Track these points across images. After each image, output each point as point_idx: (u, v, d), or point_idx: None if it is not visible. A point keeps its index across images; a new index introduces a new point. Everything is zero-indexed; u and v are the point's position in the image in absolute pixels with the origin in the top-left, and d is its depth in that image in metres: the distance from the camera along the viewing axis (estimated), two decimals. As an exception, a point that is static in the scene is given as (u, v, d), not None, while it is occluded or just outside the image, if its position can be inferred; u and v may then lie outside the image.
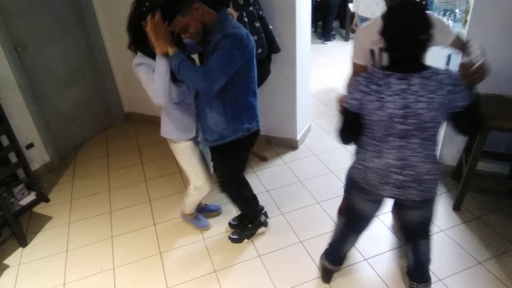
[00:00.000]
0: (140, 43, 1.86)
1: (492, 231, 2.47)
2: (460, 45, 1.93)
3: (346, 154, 3.38)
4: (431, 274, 2.05)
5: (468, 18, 2.50)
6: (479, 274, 2.20)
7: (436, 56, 1.60)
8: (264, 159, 3.38)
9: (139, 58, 1.90)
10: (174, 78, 1.87)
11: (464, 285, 2.15)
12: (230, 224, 2.64)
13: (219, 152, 2.09)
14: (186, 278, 2.33)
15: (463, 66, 1.56)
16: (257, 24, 2.68)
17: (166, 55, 1.79)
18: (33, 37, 3.20)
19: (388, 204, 2.46)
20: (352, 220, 1.98)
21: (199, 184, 2.30)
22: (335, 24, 6.67)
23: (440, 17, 2.58)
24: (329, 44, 6.24)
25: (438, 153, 1.65)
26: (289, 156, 3.43)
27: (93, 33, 3.69)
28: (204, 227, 2.64)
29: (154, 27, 1.73)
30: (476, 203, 2.70)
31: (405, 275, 2.19)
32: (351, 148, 3.40)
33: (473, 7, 2.43)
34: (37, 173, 3.29)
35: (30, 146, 3.21)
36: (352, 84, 1.61)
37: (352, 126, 1.68)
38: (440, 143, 2.81)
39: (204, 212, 2.75)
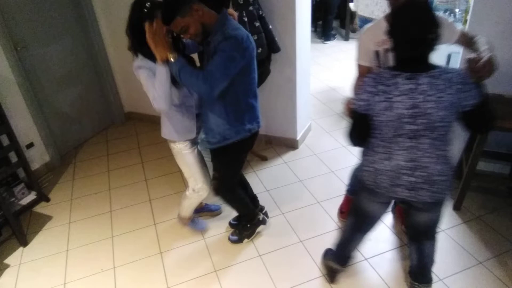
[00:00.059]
0: (140, 45, 1.84)
1: (493, 230, 2.48)
2: (466, 41, 1.89)
3: (346, 154, 3.38)
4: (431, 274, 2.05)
5: (468, 17, 2.51)
6: (480, 274, 2.20)
7: (436, 55, 1.58)
8: (264, 158, 3.38)
9: (140, 61, 1.88)
10: (175, 81, 1.86)
11: (464, 285, 2.15)
12: (230, 223, 2.64)
13: (220, 153, 2.08)
14: (186, 278, 2.33)
15: (470, 62, 1.53)
16: (257, 24, 2.68)
17: (166, 61, 1.79)
18: (33, 37, 3.20)
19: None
20: (359, 221, 1.97)
21: (198, 186, 2.28)
22: (335, 23, 6.66)
23: (442, 14, 2.57)
24: (329, 43, 6.24)
25: (450, 153, 1.61)
26: (289, 155, 3.43)
27: (93, 32, 3.69)
28: (202, 230, 2.62)
29: (152, 35, 1.73)
30: (476, 202, 2.70)
31: (406, 275, 2.19)
32: (352, 148, 3.42)
33: (473, 6, 2.43)
34: (37, 172, 3.29)
35: (30, 145, 3.21)
36: (359, 85, 1.60)
37: (360, 128, 1.66)
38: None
39: (204, 211, 2.75)
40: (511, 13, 2.33)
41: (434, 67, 1.49)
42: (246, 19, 2.62)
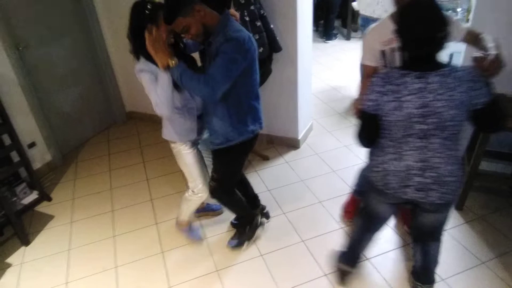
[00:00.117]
0: (142, 48, 1.81)
1: (495, 230, 2.47)
2: (473, 38, 1.87)
3: (347, 154, 3.37)
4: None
5: (470, 17, 2.50)
6: (482, 274, 2.20)
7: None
8: (265, 158, 3.38)
9: (142, 64, 1.87)
10: (177, 85, 1.86)
11: (467, 285, 2.14)
12: (232, 223, 2.64)
13: (222, 154, 2.08)
14: (187, 277, 2.33)
15: (476, 61, 1.51)
16: (258, 23, 2.68)
17: (167, 67, 1.78)
18: (35, 37, 3.20)
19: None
20: (368, 222, 1.96)
21: (198, 187, 2.25)
22: (337, 23, 6.65)
23: (447, 12, 2.56)
24: (331, 43, 6.23)
25: (460, 153, 1.59)
26: (291, 155, 3.42)
27: (95, 32, 3.69)
28: (197, 239, 2.57)
29: (152, 42, 1.73)
30: (478, 202, 2.69)
31: (408, 275, 2.19)
32: (353, 147, 3.42)
33: (475, 6, 2.42)
34: (39, 172, 3.29)
35: (32, 145, 3.21)
36: (365, 86, 1.59)
37: (369, 128, 1.64)
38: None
39: (206, 211, 2.75)
40: (514, 12, 2.33)
41: (443, 65, 1.47)
42: (247, 19, 2.61)
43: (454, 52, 2.94)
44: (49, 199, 3.09)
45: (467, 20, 2.85)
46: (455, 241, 2.41)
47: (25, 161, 2.85)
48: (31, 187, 2.99)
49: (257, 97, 2.00)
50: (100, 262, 2.48)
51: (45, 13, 3.27)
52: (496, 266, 2.23)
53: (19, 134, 2.82)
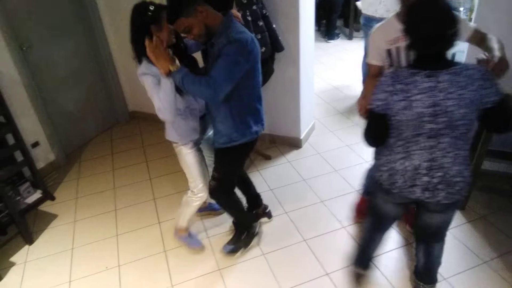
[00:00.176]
0: (144, 50, 1.80)
1: (497, 230, 2.47)
2: (478, 39, 1.87)
3: (349, 153, 3.37)
4: (435, 273, 2.05)
5: (473, 16, 2.49)
6: (484, 273, 2.20)
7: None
8: (267, 158, 3.39)
9: (144, 67, 1.86)
10: (179, 88, 1.86)
11: (469, 285, 2.14)
12: (233, 223, 2.65)
13: (225, 152, 2.08)
14: (190, 276, 2.34)
15: (480, 63, 1.50)
16: (261, 23, 2.69)
17: (169, 73, 1.79)
18: (38, 37, 3.22)
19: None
20: (377, 222, 1.95)
21: (198, 187, 2.24)
22: (339, 22, 6.64)
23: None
24: (333, 42, 6.22)
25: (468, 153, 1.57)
26: (293, 155, 3.43)
27: (98, 32, 3.70)
28: (196, 247, 2.51)
29: (153, 49, 1.73)
30: (481, 202, 2.69)
31: (410, 274, 2.19)
32: (356, 147, 3.42)
33: (478, 5, 2.42)
34: (43, 171, 3.31)
35: (35, 144, 3.23)
36: (373, 84, 1.57)
37: (378, 128, 1.62)
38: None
39: (208, 210, 2.76)
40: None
41: (453, 63, 1.45)
42: (249, 18, 2.62)
43: (457, 52, 2.93)
44: (53, 198, 3.11)
45: (470, 19, 2.84)
46: (457, 241, 2.41)
47: (29, 161, 2.87)
48: (35, 186, 3.00)
49: (259, 99, 2.00)
50: (103, 260, 2.50)
51: (48, 13, 3.29)
52: (498, 266, 2.23)
53: (23, 134, 2.84)
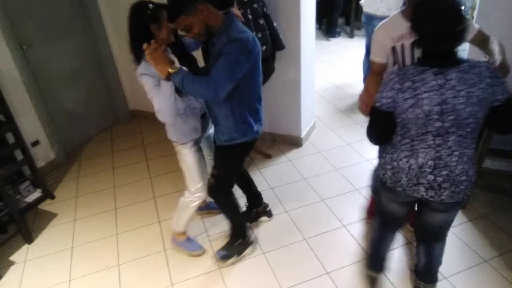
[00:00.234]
0: (143, 50, 1.76)
1: (498, 229, 2.46)
2: (480, 41, 1.85)
3: (350, 152, 3.37)
4: (436, 272, 2.04)
5: (475, 14, 2.48)
6: (485, 272, 2.19)
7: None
8: (268, 156, 3.38)
9: (143, 67, 1.84)
10: (179, 90, 1.84)
11: (469, 283, 2.13)
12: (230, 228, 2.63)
13: (226, 150, 2.07)
14: (190, 275, 2.33)
15: None
16: (261, 21, 2.67)
17: (169, 76, 1.77)
18: (39, 36, 3.21)
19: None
20: (384, 221, 1.94)
21: (196, 186, 2.22)
22: (340, 21, 6.63)
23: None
24: (334, 41, 6.21)
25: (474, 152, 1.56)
26: (294, 153, 3.42)
27: (98, 30, 3.69)
28: (196, 251, 2.47)
29: (151, 54, 1.72)
30: (482, 201, 2.68)
31: (410, 272, 2.19)
32: (356, 145, 3.41)
33: (479, 3, 2.41)
34: (43, 170, 3.31)
35: (35, 143, 3.23)
36: (374, 82, 1.55)
37: (384, 126, 1.60)
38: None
39: (208, 209, 2.75)
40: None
41: (462, 61, 1.43)
42: (250, 17, 2.61)
43: (460, 50, 2.92)
44: (53, 197, 3.11)
45: (472, 17, 2.83)
46: (458, 239, 2.40)
47: (29, 160, 2.87)
48: (35, 185, 3.00)
49: (259, 99, 1.99)
50: (103, 259, 2.49)
51: (49, 12, 3.28)
52: (499, 265, 2.22)
53: (23, 133, 2.83)
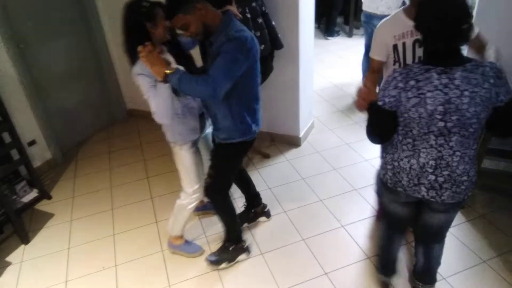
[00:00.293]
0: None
1: (497, 229, 2.45)
2: (478, 45, 1.84)
3: (349, 152, 3.36)
4: (435, 273, 2.03)
5: (474, 13, 2.47)
6: (483, 272, 2.18)
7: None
8: (266, 156, 3.37)
9: (139, 67, 1.81)
10: (176, 90, 1.83)
11: (468, 284, 2.13)
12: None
13: (225, 148, 2.05)
14: (188, 276, 2.32)
15: None
16: (260, 20, 2.66)
17: (165, 77, 1.74)
18: (35, 34, 3.19)
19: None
20: (388, 224, 1.93)
21: (194, 187, 2.19)
22: (339, 20, 6.61)
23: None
24: (333, 40, 6.19)
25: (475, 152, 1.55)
26: (292, 153, 3.41)
27: (95, 29, 3.67)
28: (196, 253, 2.45)
29: (147, 56, 1.70)
30: (480, 201, 2.67)
31: (408, 273, 2.18)
32: (355, 145, 3.40)
33: (478, 4, 2.40)
34: (39, 170, 3.29)
35: (32, 143, 3.20)
36: (373, 79, 1.53)
37: (386, 125, 1.57)
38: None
39: (205, 209, 2.74)
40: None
41: (467, 60, 1.41)
42: (249, 16, 2.59)
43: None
44: (49, 197, 3.09)
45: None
46: (457, 240, 2.39)
47: (25, 159, 2.85)
48: (31, 185, 2.98)
49: (257, 99, 1.98)
50: (100, 260, 2.48)
51: (46, 11, 3.26)
52: (498, 265, 2.21)
53: (19, 132, 2.82)
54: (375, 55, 1.99)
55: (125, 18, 1.81)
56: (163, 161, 3.40)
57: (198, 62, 2.21)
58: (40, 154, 3.32)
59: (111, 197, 3.06)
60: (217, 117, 1.96)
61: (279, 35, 2.83)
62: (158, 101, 1.80)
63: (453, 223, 2.48)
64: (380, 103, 1.52)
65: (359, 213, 2.67)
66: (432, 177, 1.53)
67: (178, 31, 1.85)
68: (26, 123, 3.13)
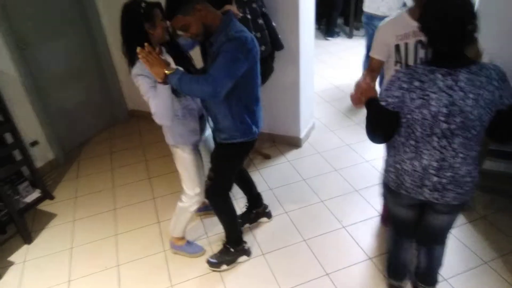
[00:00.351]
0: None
1: (498, 230, 2.46)
2: (474, 53, 1.85)
3: (350, 152, 3.36)
4: (435, 274, 2.04)
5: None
6: (485, 273, 2.19)
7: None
8: (267, 157, 3.37)
9: (139, 68, 1.81)
10: (176, 91, 1.83)
11: (469, 285, 2.13)
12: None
13: (225, 148, 2.05)
14: (190, 276, 2.33)
15: None
16: (260, 21, 2.67)
17: (165, 78, 1.74)
18: (37, 35, 3.21)
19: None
20: (396, 227, 1.91)
21: (195, 191, 2.19)
22: (339, 21, 6.62)
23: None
24: (333, 41, 6.20)
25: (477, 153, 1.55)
26: (293, 154, 3.41)
27: (96, 30, 3.69)
28: (198, 253, 2.46)
29: (146, 57, 1.70)
30: (481, 202, 2.68)
31: (410, 275, 2.18)
32: (356, 146, 3.40)
33: (478, 5, 2.40)
34: (42, 170, 3.30)
35: (34, 143, 3.22)
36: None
37: (388, 126, 1.56)
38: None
39: (207, 210, 2.74)
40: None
41: (472, 62, 1.40)
42: (249, 16, 2.60)
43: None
44: (52, 198, 3.10)
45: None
46: (458, 241, 2.40)
47: (28, 160, 2.86)
48: (34, 185, 2.99)
49: (257, 100, 1.98)
50: (103, 260, 2.49)
51: (47, 12, 3.27)
52: (499, 266, 2.22)
53: (22, 133, 2.84)
54: (375, 54, 1.99)
55: (123, 19, 1.81)
56: (165, 162, 3.41)
57: (198, 63, 2.22)
58: (42, 155, 3.34)
59: (113, 197, 3.07)
60: (217, 117, 1.96)
61: (279, 36, 2.83)
62: (158, 102, 1.79)
63: (454, 225, 2.50)
64: (383, 103, 1.51)
65: (360, 214, 2.68)
66: (436, 179, 1.53)
67: (178, 32, 1.85)
68: (28, 124, 3.14)
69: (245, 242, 2.42)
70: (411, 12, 1.82)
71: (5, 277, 2.44)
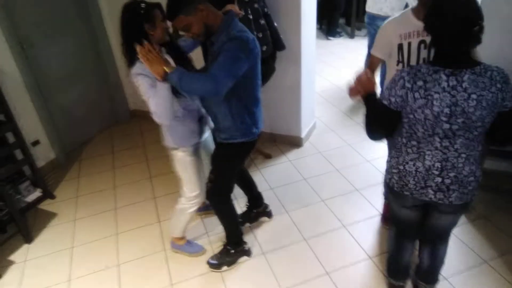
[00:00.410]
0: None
1: (498, 230, 2.45)
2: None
3: (351, 152, 3.36)
4: (436, 273, 2.03)
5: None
6: (485, 272, 2.19)
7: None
8: (268, 156, 3.38)
9: (139, 68, 1.80)
10: (176, 91, 1.82)
11: (469, 284, 2.13)
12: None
13: (226, 148, 2.05)
14: (190, 275, 2.33)
15: None
16: (262, 22, 2.67)
17: (165, 76, 1.73)
18: (39, 35, 3.21)
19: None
20: (398, 228, 1.90)
21: (195, 193, 2.19)
22: (341, 21, 6.62)
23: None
24: (335, 41, 6.20)
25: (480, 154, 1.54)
26: (294, 154, 3.41)
27: (99, 30, 3.70)
28: (198, 252, 2.46)
29: (145, 55, 1.69)
30: (482, 202, 2.67)
31: (411, 273, 2.18)
32: (357, 146, 3.40)
33: (480, 4, 2.40)
34: (43, 170, 3.30)
35: (36, 143, 3.23)
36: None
37: (389, 125, 1.56)
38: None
39: (207, 210, 2.74)
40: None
41: (476, 63, 1.39)
42: (251, 17, 2.60)
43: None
44: (53, 197, 3.11)
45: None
46: (458, 240, 2.39)
47: (29, 159, 2.87)
48: (35, 185, 3.00)
49: (257, 101, 1.98)
50: (103, 260, 2.49)
51: (49, 12, 3.28)
52: (499, 265, 2.22)
53: (23, 132, 2.84)
54: (376, 52, 1.98)
55: (123, 20, 1.80)
56: (166, 162, 3.37)
57: (199, 64, 2.22)
58: (44, 154, 3.34)
59: (114, 196, 3.07)
60: (217, 117, 1.96)
61: (281, 36, 2.83)
62: (158, 101, 1.78)
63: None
64: (385, 102, 1.50)
65: (361, 214, 2.67)
66: (439, 179, 1.53)
67: (180, 32, 1.85)
68: (30, 123, 3.15)
69: (245, 243, 2.42)
70: (416, 11, 1.81)
71: (6, 277, 2.44)
